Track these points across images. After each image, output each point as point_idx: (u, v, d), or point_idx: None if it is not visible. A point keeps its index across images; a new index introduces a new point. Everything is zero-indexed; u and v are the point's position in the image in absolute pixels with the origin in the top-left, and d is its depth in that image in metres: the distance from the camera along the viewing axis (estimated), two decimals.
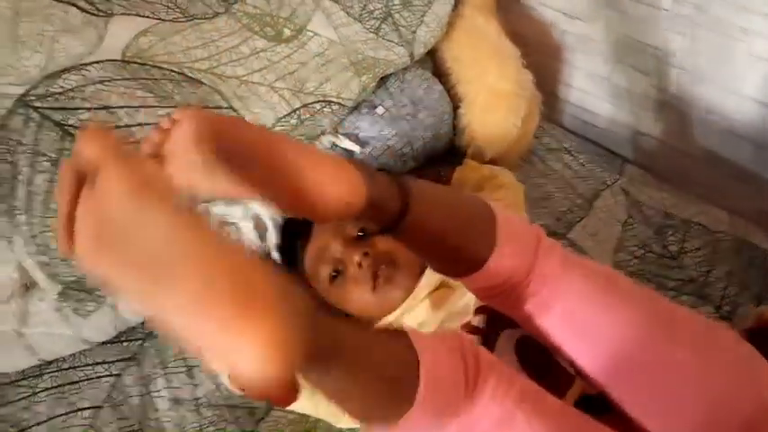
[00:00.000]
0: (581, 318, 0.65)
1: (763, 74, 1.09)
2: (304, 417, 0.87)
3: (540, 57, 1.36)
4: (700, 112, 1.21)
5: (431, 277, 0.88)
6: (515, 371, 0.59)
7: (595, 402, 0.67)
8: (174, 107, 0.92)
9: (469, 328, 0.81)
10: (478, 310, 0.82)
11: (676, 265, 1.09)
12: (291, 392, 0.46)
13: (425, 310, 0.88)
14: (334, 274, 0.89)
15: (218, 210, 0.93)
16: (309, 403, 0.84)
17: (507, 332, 0.79)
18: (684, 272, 1.08)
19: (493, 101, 1.17)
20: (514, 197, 1.09)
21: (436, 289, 0.88)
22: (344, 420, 0.86)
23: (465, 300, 0.85)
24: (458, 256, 0.64)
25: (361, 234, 0.89)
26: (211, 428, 0.86)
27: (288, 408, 0.85)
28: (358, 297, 0.88)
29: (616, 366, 0.64)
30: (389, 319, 0.88)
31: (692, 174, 1.29)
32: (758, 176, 1.20)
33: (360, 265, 0.86)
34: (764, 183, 1.18)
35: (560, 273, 0.66)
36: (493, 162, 1.20)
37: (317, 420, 0.87)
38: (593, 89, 1.35)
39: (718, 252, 1.11)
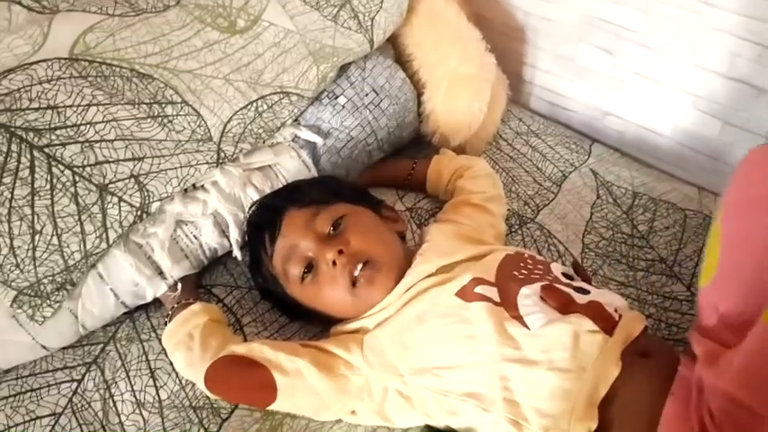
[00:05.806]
0: None
1: (725, 47, 1.08)
2: (270, 414, 0.86)
3: (504, 39, 1.35)
4: (665, 88, 1.20)
5: (413, 276, 0.85)
6: None
7: None
8: (126, 104, 0.90)
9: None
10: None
11: (646, 245, 1.09)
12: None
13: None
14: (305, 271, 0.86)
15: (175, 208, 0.91)
16: (289, 402, 0.83)
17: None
18: (654, 251, 1.08)
19: (456, 86, 1.14)
20: (495, 187, 1.08)
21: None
22: (325, 414, 0.84)
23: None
24: None
25: (333, 231, 0.87)
26: (176, 430, 0.84)
27: (268, 408, 0.83)
28: (333, 296, 0.85)
29: None
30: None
31: (661, 151, 1.28)
32: (726, 151, 1.19)
33: (334, 263, 0.83)
34: (733, 157, 1.18)
35: None
36: (460, 148, 1.18)
37: (284, 417, 0.86)
38: (558, 70, 1.34)
39: (688, 230, 1.11)
